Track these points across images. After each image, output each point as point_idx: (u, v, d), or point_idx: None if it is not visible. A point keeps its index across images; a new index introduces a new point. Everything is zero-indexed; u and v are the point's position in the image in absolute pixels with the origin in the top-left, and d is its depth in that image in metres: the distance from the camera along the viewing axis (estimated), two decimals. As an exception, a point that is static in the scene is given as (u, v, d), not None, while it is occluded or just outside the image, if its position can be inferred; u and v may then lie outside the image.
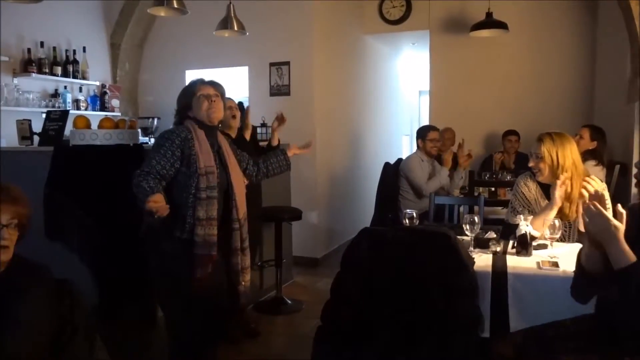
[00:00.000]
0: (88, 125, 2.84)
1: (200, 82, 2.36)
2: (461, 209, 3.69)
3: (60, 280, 1.67)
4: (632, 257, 1.50)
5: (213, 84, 2.37)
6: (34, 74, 4.73)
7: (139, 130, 3.44)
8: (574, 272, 1.81)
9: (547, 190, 2.56)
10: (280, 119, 3.55)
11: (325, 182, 5.38)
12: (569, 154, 2.46)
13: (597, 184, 2.44)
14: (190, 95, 2.32)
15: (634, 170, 3.51)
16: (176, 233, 2.22)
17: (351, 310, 2.15)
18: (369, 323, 2.11)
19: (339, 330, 2.17)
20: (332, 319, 2.20)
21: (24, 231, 1.60)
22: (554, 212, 2.41)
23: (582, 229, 2.35)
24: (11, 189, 1.60)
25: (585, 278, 1.73)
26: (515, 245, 2.32)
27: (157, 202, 2.01)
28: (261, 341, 3.37)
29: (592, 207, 1.59)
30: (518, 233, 2.28)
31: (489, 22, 4.80)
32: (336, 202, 5.61)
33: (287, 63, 5.13)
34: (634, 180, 2.82)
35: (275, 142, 3.50)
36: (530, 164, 2.52)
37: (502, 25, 4.76)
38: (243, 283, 2.43)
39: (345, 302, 2.18)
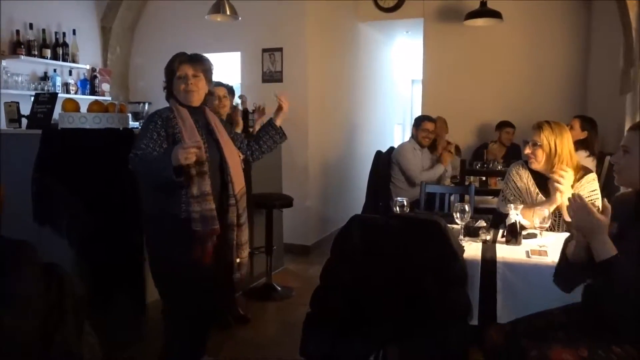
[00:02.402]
0: (77, 109, 2.81)
1: (179, 61, 2.31)
2: (452, 197, 3.70)
3: (49, 264, 1.65)
4: (614, 250, 1.54)
5: (193, 61, 2.31)
6: (22, 56, 4.65)
7: (129, 114, 3.40)
8: (558, 260, 1.84)
9: (539, 179, 2.57)
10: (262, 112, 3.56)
11: (317, 170, 5.37)
12: (566, 143, 2.47)
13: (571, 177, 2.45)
14: (170, 74, 2.32)
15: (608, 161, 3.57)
16: (175, 212, 2.22)
17: (340, 297, 2.15)
18: (358, 310, 2.11)
19: (328, 317, 2.17)
20: (321, 305, 2.21)
21: None
22: (551, 209, 2.42)
23: (567, 218, 2.38)
24: None
25: (568, 267, 1.76)
26: (505, 234, 2.33)
27: (190, 145, 2.05)
28: (251, 327, 3.38)
29: (576, 199, 1.63)
30: (508, 222, 2.29)
31: (484, 11, 4.78)
32: (328, 190, 5.61)
33: (280, 49, 5.09)
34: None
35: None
36: (527, 151, 2.51)
37: (496, 15, 4.75)
38: (239, 259, 2.42)
39: (334, 289, 2.18)
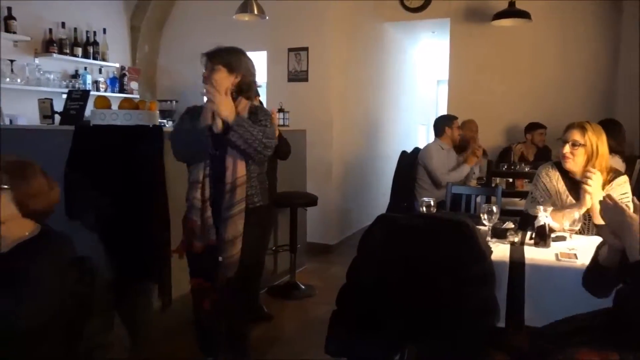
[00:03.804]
0: (109, 106, 2.86)
1: (203, 62, 2.40)
2: (478, 199, 3.67)
3: (80, 257, 1.70)
4: None
5: (211, 56, 2.37)
6: (54, 55, 4.77)
7: (157, 112, 3.45)
8: (588, 265, 1.81)
9: (569, 181, 2.53)
10: None
11: (341, 169, 5.37)
12: (605, 145, 2.43)
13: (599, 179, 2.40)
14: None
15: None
16: (187, 199, 2.38)
17: (366, 296, 2.15)
18: (383, 309, 2.11)
19: (353, 315, 2.18)
20: (346, 303, 2.21)
21: (27, 205, 1.62)
22: (581, 212, 2.38)
23: (596, 221, 2.34)
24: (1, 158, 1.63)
25: (600, 272, 1.73)
26: (533, 236, 2.30)
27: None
28: (274, 325, 3.40)
29: (607, 200, 1.61)
30: (537, 224, 2.26)
31: (512, 11, 4.72)
32: (351, 190, 5.61)
33: (306, 49, 5.11)
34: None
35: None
36: (565, 150, 2.45)
37: (524, 15, 4.68)
38: (220, 258, 2.33)
39: (360, 287, 2.18)
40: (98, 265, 1.77)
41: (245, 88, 2.42)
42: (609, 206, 1.60)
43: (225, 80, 2.34)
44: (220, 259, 2.34)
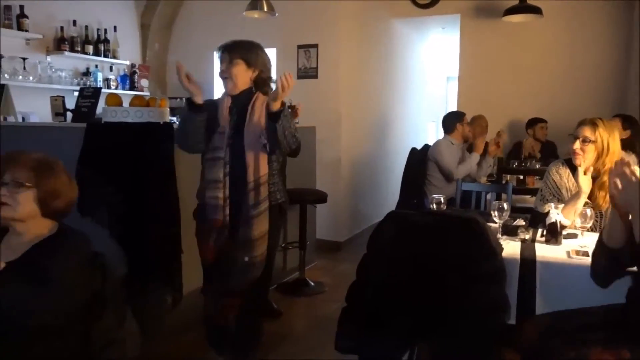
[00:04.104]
0: (120, 103, 2.87)
1: (218, 57, 2.37)
2: (488, 196, 3.65)
3: (93, 252, 1.72)
4: None
5: (227, 49, 2.33)
6: (66, 52, 4.81)
7: (168, 109, 3.46)
8: (594, 251, 1.80)
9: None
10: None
11: (350, 167, 5.37)
12: (617, 142, 2.41)
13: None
14: None
15: None
16: (199, 198, 2.36)
17: (376, 293, 2.15)
18: (393, 306, 2.11)
19: (363, 312, 2.18)
20: (356, 300, 2.21)
21: (48, 204, 1.63)
22: (582, 199, 2.36)
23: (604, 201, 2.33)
24: (26, 155, 1.64)
25: (605, 257, 1.71)
26: (544, 233, 2.29)
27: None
28: (283, 321, 3.42)
29: (627, 172, 1.52)
30: (548, 221, 2.25)
31: (523, 6, 4.68)
32: (360, 187, 5.61)
33: (315, 45, 5.11)
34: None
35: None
36: (575, 146, 2.42)
37: (536, 10, 4.64)
38: (247, 258, 2.30)
39: (370, 284, 2.18)
40: (110, 261, 1.79)
41: (261, 83, 2.38)
42: (628, 180, 1.51)
43: (243, 74, 2.31)
44: (246, 259, 2.29)
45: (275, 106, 2.15)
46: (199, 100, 2.23)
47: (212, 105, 2.36)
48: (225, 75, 2.31)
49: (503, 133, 4.40)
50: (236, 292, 2.35)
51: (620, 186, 1.54)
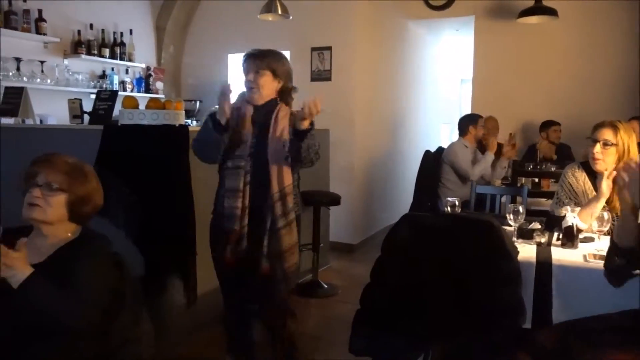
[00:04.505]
0: (136, 106, 2.91)
1: (243, 67, 2.29)
2: (503, 199, 3.63)
3: (114, 254, 1.74)
4: None
5: (254, 57, 2.26)
6: (83, 55, 4.87)
7: (183, 111, 3.50)
8: (607, 250, 1.79)
9: (595, 181, 2.49)
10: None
11: (363, 169, 5.37)
12: (635, 145, 2.38)
13: None
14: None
15: None
16: (216, 207, 2.32)
17: (390, 295, 2.15)
18: (407, 308, 2.11)
19: (377, 314, 2.18)
20: (370, 302, 2.21)
21: (78, 209, 1.65)
22: (601, 203, 2.33)
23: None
24: (61, 158, 1.66)
25: (618, 256, 1.70)
26: (560, 237, 2.27)
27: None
28: (297, 323, 3.41)
29: (635, 168, 1.56)
30: (564, 224, 2.22)
31: (539, 8, 4.65)
32: (374, 189, 5.60)
33: (329, 48, 5.12)
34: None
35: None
36: (596, 150, 2.38)
37: (551, 12, 4.61)
38: (279, 271, 2.26)
39: (384, 286, 2.18)
40: (127, 261, 1.81)
41: (285, 94, 2.34)
42: (632, 169, 1.55)
43: (270, 84, 2.27)
44: (279, 272, 2.26)
45: (304, 125, 2.09)
46: (224, 121, 2.16)
47: (233, 115, 2.28)
48: (252, 85, 2.25)
49: (513, 136, 4.38)
50: (266, 305, 2.34)
51: (627, 179, 1.57)
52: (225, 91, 2.13)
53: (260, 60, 2.25)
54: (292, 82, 2.39)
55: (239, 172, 2.22)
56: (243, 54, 2.32)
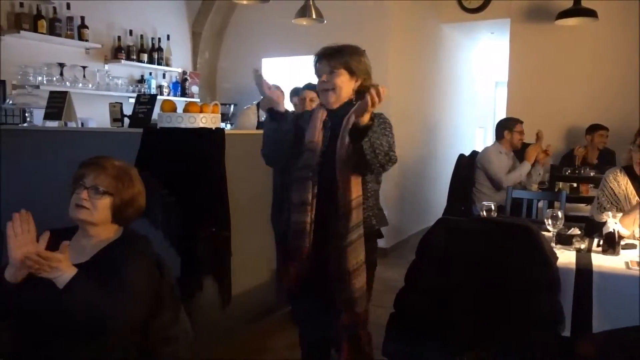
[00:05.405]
0: (174, 109, 2.97)
1: (315, 69, 2.07)
2: (540, 204, 3.56)
3: (154, 254, 1.78)
4: None
5: (326, 56, 2.01)
6: (123, 61, 5.01)
7: (220, 115, 3.55)
8: None
9: (639, 186, 2.42)
10: None
11: (397, 172, 5.34)
12: None
13: None
14: None
15: None
16: (279, 219, 2.25)
17: (425, 299, 2.14)
18: (441, 313, 2.10)
19: (412, 319, 2.17)
20: (405, 307, 2.21)
21: (122, 212, 1.69)
22: None
23: None
24: (110, 162, 1.70)
25: None
26: (601, 243, 2.22)
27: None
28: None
29: None
30: (605, 230, 2.18)
31: (577, 9, 4.55)
32: (407, 193, 5.57)
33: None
34: None
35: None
36: None
37: (591, 14, 4.50)
38: (343, 295, 2.01)
39: (418, 291, 2.17)
40: (165, 261, 1.85)
41: (363, 95, 1.90)
42: None
43: (347, 85, 2.02)
44: (343, 296, 2.02)
45: (364, 121, 1.81)
46: (281, 108, 1.99)
47: (300, 118, 2.12)
48: (327, 87, 2.01)
49: (541, 135, 4.24)
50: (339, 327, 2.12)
51: None
52: (258, 78, 2.00)
53: (333, 58, 2.00)
54: (371, 79, 2.12)
55: (307, 184, 1.99)
56: (314, 55, 2.08)
